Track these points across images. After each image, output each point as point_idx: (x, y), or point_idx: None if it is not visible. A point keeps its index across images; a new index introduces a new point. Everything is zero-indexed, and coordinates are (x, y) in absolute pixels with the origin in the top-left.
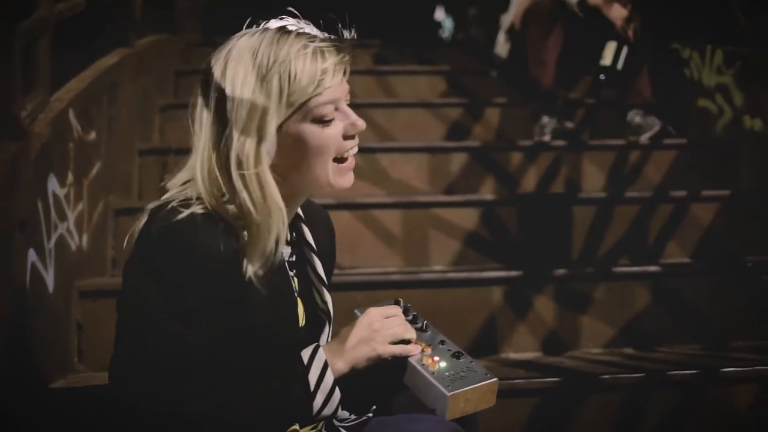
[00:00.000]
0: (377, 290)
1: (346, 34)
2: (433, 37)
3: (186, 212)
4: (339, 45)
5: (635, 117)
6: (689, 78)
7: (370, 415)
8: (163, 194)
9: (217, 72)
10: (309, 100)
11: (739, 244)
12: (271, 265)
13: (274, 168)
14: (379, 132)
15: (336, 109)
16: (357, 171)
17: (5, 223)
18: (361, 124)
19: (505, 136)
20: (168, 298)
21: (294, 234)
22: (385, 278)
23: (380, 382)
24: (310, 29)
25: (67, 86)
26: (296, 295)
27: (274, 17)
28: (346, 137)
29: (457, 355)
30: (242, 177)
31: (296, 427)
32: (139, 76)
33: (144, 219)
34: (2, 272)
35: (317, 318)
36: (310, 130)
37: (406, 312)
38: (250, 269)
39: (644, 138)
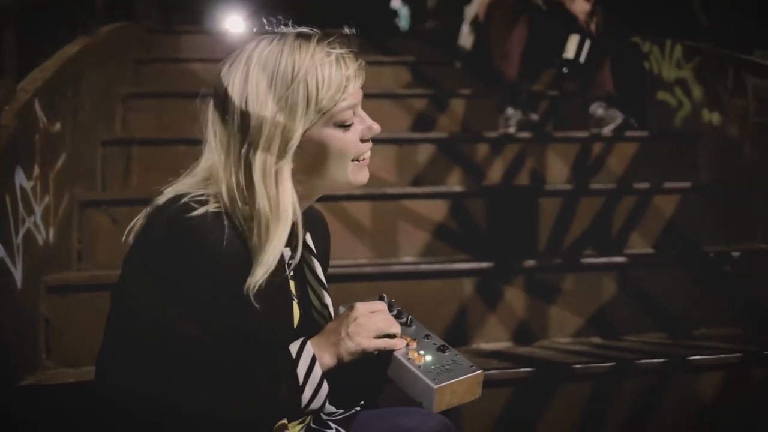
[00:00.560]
0: (349, 282)
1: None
2: (397, 27)
3: (200, 209)
4: (355, 51)
5: (597, 109)
6: (649, 72)
7: (358, 408)
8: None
9: (238, 79)
10: (334, 105)
11: (699, 235)
12: (272, 268)
13: (292, 171)
14: None
15: (354, 113)
16: None
17: None
18: (377, 127)
19: (470, 128)
20: (171, 293)
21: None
22: (358, 270)
23: (366, 377)
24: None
25: (31, 76)
26: (293, 297)
27: (236, 6)
28: (362, 140)
29: (442, 349)
30: (263, 180)
31: (284, 421)
32: (101, 65)
33: (151, 210)
34: None
35: (312, 320)
36: (333, 134)
37: (390, 307)
38: (254, 271)
39: (607, 130)
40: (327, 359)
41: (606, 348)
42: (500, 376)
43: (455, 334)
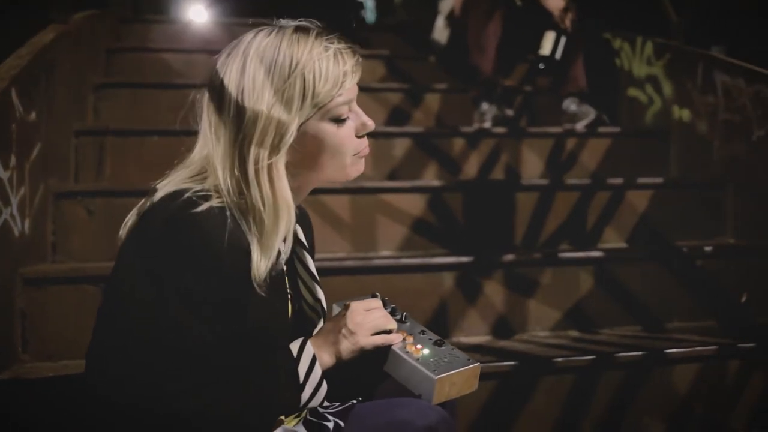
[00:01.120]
0: (330, 276)
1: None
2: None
3: (204, 205)
4: (353, 47)
5: (570, 105)
6: (620, 68)
7: (355, 401)
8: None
9: (235, 70)
10: (330, 100)
11: (671, 230)
12: (273, 262)
13: (286, 165)
14: None
15: (349, 109)
16: None
17: None
18: (371, 124)
19: (445, 122)
20: (175, 291)
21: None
22: (339, 264)
23: (363, 373)
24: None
25: (7, 63)
26: (288, 292)
27: None
28: (357, 136)
29: (438, 343)
30: (257, 173)
31: (282, 416)
32: (74, 53)
33: (149, 206)
34: None
35: (305, 315)
36: (328, 128)
37: (384, 305)
38: (258, 266)
39: (580, 126)
40: (326, 358)
41: (583, 341)
42: (485, 370)
43: (436, 328)
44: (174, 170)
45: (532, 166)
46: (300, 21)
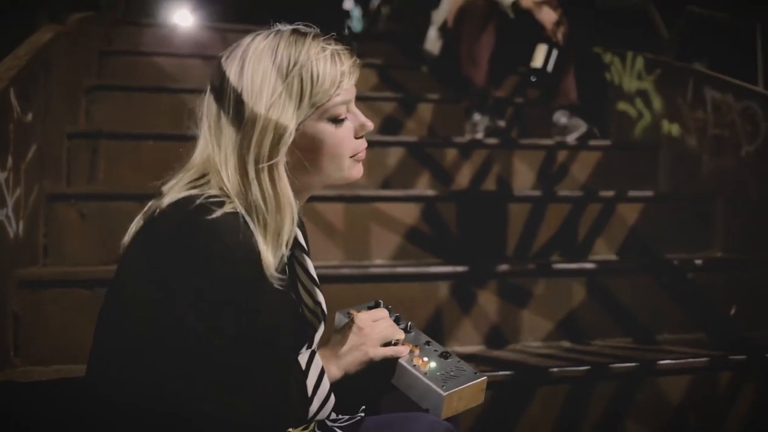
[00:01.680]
0: (326, 283)
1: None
2: (350, 28)
3: (218, 211)
4: (351, 48)
5: (561, 118)
6: (610, 82)
7: (363, 414)
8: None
9: (233, 72)
10: (328, 100)
11: (660, 242)
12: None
13: (286, 166)
14: None
15: (347, 110)
16: None
17: None
18: (370, 125)
19: (437, 132)
20: (191, 299)
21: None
22: (335, 272)
23: (370, 384)
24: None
25: (5, 63)
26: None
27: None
28: (356, 137)
29: (444, 355)
30: (258, 175)
31: (290, 429)
32: (70, 54)
33: (158, 211)
34: None
35: (305, 319)
36: (325, 129)
37: (389, 314)
38: (268, 270)
39: (570, 138)
40: (334, 371)
41: (575, 352)
42: None
43: (431, 337)
44: (174, 174)
45: (524, 177)
46: (297, 24)
